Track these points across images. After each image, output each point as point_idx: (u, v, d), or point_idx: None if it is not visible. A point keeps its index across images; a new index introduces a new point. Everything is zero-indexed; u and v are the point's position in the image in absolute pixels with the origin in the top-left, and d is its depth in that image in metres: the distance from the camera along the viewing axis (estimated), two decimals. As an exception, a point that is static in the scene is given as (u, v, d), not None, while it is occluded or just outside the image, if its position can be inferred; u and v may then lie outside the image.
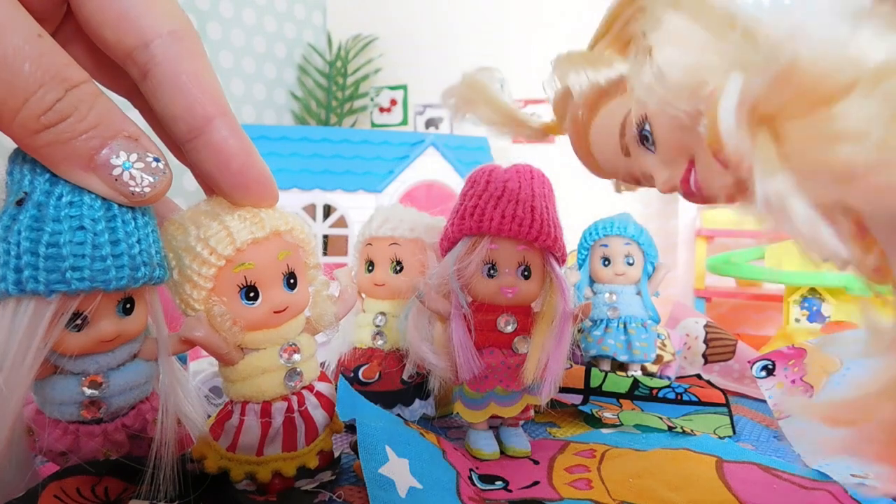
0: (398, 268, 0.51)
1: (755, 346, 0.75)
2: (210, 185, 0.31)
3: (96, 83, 0.25)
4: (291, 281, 0.34)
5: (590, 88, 0.30)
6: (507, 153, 2.13)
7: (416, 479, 0.34)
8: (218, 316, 0.32)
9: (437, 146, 1.66)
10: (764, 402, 0.56)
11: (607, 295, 0.67)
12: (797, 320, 0.94)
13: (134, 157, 0.25)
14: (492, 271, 0.43)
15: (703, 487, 0.39)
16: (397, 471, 0.34)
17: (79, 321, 0.28)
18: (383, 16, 2.43)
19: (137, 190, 0.26)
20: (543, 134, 0.37)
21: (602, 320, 0.66)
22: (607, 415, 0.54)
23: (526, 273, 0.43)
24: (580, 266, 0.69)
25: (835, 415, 0.22)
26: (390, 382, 0.50)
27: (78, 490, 0.29)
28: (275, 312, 0.34)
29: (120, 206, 0.27)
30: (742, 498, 0.38)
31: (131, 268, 0.27)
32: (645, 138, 0.28)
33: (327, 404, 0.37)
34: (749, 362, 0.58)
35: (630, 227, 0.67)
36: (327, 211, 1.77)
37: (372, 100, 2.49)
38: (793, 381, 0.54)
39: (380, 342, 0.51)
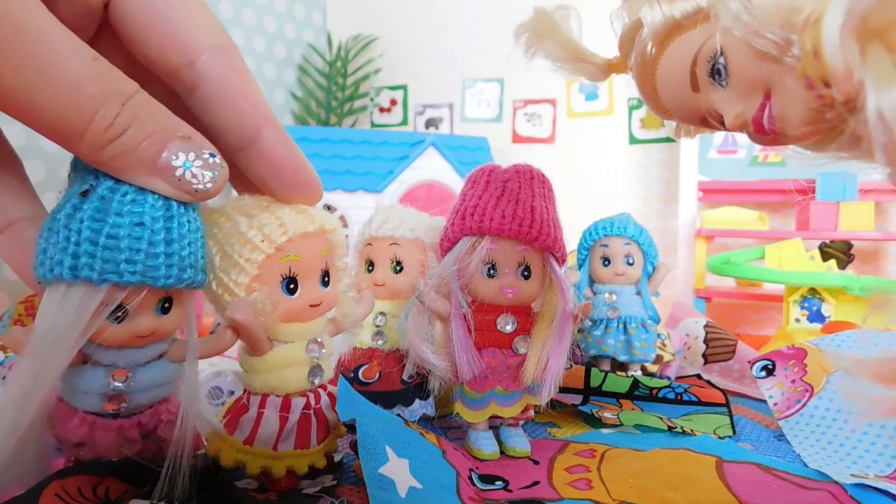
0: (398, 268, 0.51)
1: (755, 346, 0.75)
2: (261, 190, 0.33)
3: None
4: (326, 279, 0.36)
5: (663, 22, 0.29)
6: (507, 153, 2.13)
7: (416, 479, 0.34)
8: (259, 301, 0.32)
9: (437, 146, 1.66)
10: (764, 402, 0.56)
11: (607, 295, 0.67)
12: (797, 320, 0.94)
13: (192, 155, 0.26)
14: (492, 271, 0.43)
15: (703, 487, 0.39)
16: (397, 471, 0.34)
17: (120, 313, 0.28)
18: (383, 16, 2.42)
19: (200, 186, 0.27)
20: (606, 72, 0.37)
21: (602, 320, 0.66)
22: (607, 415, 0.54)
23: (526, 273, 0.43)
24: (580, 266, 0.69)
25: (887, 372, 0.22)
26: (390, 382, 0.50)
27: (79, 489, 0.29)
28: (310, 306, 0.35)
29: (178, 209, 0.28)
30: (742, 498, 0.38)
31: (179, 268, 0.28)
32: (718, 72, 0.27)
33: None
34: (749, 362, 0.58)
35: (630, 227, 0.67)
36: (327, 211, 1.77)
37: (372, 100, 2.49)
38: (793, 381, 0.54)
39: (380, 342, 0.51)
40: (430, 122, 2.42)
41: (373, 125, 2.49)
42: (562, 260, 0.44)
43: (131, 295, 0.28)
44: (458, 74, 2.33)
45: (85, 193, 0.27)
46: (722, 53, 0.26)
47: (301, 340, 0.35)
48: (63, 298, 0.26)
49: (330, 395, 0.38)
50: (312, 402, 0.36)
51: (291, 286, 0.34)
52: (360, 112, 2.45)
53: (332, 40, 2.42)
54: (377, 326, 0.51)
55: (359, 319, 0.40)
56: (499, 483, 0.40)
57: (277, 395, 0.35)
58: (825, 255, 1.07)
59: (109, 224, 0.26)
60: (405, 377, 0.50)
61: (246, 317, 0.32)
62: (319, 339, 0.36)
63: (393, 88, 2.47)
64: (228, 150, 0.29)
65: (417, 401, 0.51)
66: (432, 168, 1.67)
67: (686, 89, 0.29)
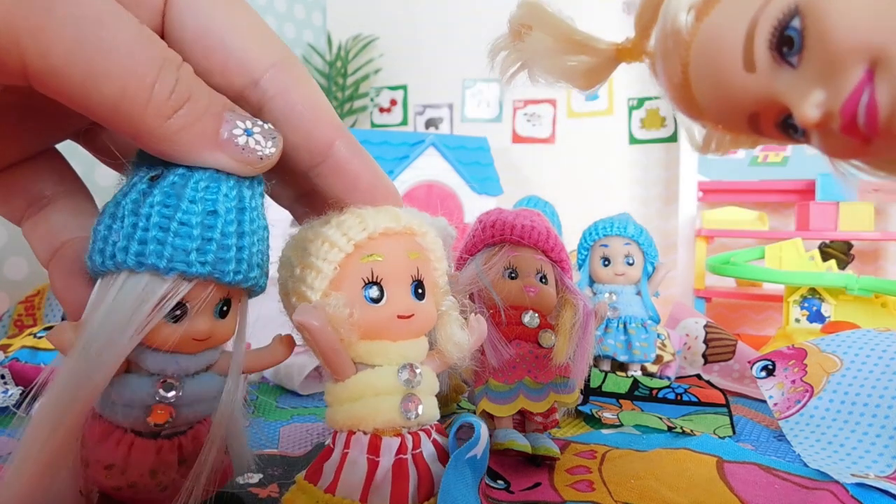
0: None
1: (755, 346, 0.75)
2: (338, 205, 0.30)
3: None
4: (420, 290, 0.30)
5: None
6: (507, 153, 2.13)
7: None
8: (332, 305, 0.28)
9: (437, 146, 1.66)
10: (764, 402, 0.56)
11: (607, 295, 0.67)
12: (797, 320, 0.94)
13: (249, 123, 0.25)
14: (513, 274, 0.45)
15: (704, 488, 0.39)
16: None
17: (178, 312, 0.26)
18: (383, 16, 2.42)
19: (266, 152, 0.25)
20: (613, 62, 0.29)
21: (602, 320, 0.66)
22: (607, 415, 0.54)
23: (543, 280, 0.45)
24: (580, 266, 0.69)
25: None
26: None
27: None
28: (399, 317, 0.29)
29: (249, 201, 0.26)
30: (744, 498, 0.38)
31: (249, 264, 0.27)
32: (787, 42, 0.20)
33: (446, 459, 0.31)
34: (749, 362, 0.58)
35: (630, 227, 0.67)
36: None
37: (372, 100, 2.48)
38: (793, 382, 0.54)
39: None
40: (430, 122, 2.42)
41: (373, 125, 2.49)
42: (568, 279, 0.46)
43: (196, 291, 0.26)
44: (458, 74, 2.33)
45: (154, 179, 0.25)
46: (798, 13, 0.20)
47: (391, 365, 0.29)
48: (122, 289, 0.24)
49: (436, 443, 0.31)
50: (410, 446, 0.30)
51: (375, 294, 0.29)
52: (360, 112, 2.45)
53: (332, 40, 2.42)
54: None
55: (467, 346, 0.32)
56: (500, 482, 0.40)
57: (365, 433, 0.29)
58: (825, 255, 1.07)
59: (182, 210, 0.25)
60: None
61: (319, 323, 0.27)
62: (415, 365, 0.30)
63: (393, 88, 2.46)
64: (300, 168, 0.28)
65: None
66: (432, 168, 1.67)
67: (734, 72, 0.22)
